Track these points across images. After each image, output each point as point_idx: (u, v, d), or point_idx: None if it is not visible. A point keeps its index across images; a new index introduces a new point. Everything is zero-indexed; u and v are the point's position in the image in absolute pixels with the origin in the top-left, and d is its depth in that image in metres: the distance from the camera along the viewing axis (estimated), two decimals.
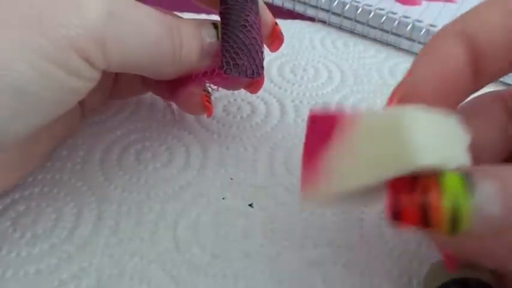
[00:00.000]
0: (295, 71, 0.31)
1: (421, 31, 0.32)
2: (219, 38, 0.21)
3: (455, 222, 0.12)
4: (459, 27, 0.16)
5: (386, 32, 0.34)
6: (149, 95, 0.28)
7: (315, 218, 0.22)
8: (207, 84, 0.23)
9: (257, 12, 0.21)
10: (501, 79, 0.31)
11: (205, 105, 0.23)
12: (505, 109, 0.18)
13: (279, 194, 0.23)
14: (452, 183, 0.12)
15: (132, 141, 0.26)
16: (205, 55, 0.21)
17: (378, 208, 0.22)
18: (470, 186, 0.12)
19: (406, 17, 0.34)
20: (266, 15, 0.23)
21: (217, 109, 0.28)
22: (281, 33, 0.25)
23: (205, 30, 0.21)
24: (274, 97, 0.29)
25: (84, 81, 0.17)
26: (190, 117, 0.27)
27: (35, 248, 0.20)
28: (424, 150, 0.12)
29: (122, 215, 0.22)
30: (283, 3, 0.38)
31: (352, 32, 0.36)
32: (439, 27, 0.33)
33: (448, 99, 0.16)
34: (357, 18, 0.35)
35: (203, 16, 0.35)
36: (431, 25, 0.33)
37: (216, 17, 0.22)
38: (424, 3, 0.36)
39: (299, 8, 0.37)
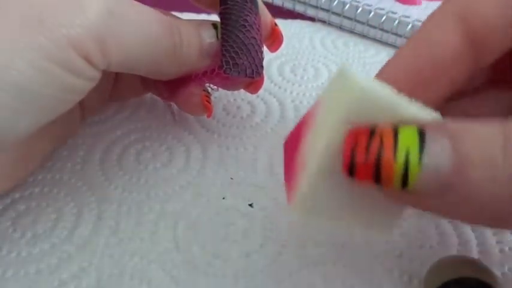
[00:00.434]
0: (295, 70, 0.31)
1: None
2: (219, 38, 0.21)
3: (405, 178, 0.12)
4: (452, 8, 0.15)
5: (386, 31, 0.34)
6: (149, 95, 0.28)
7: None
8: (207, 85, 0.23)
9: (256, 13, 0.21)
10: None
11: (205, 105, 0.23)
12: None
13: (279, 194, 0.23)
14: (406, 137, 0.12)
15: (132, 141, 0.26)
16: (205, 55, 0.21)
17: None
18: (422, 141, 0.12)
19: (406, 16, 0.33)
20: (265, 16, 0.23)
21: (217, 109, 0.28)
22: (281, 34, 0.25)
23: (205, 30, 0.21)
24: (274, 97, 0.29)
25: (84, 81, 0.17)
26: (190, 117, 0.27)
27: (35, 248, 0.20)
28: (366, 84, 0.12)
29: (122, 215, 0.22)
30: (283, 3, 0.38)
31: (352, 32, 0.36)
32: None
33: (426, 86, 0.16)
34: (357, 18, 0.35)
35: (203, 16, 0.35)
36: None
37: (216, 18, 0.22)
38: (424, 2, 0.36)
39: (299, 8, 0.37)
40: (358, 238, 0.21)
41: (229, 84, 0.23)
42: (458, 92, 0.17)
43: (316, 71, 0.31)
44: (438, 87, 0.16)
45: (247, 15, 0.21)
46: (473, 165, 0.11)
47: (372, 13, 0.34)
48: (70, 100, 0.18)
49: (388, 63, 0.17)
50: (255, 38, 0.21)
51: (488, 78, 0.19)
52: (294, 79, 0.30)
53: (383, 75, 0.17)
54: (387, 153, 0.12)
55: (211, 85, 0.24)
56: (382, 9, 0.34)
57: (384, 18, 0.34)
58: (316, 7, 0.36)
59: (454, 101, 0.18)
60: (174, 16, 0.22)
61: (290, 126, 0.27)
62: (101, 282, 0.19)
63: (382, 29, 0.34)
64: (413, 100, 0.13)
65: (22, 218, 0.22)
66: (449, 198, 0.12)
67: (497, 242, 0.21)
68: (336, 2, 0.35)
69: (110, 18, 0.17)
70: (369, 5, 0.34)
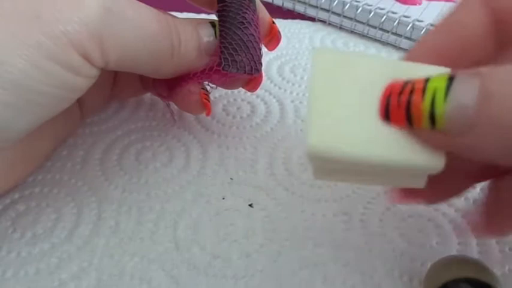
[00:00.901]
0: (295, 71, 0.31)
1: (421, 31, 0.32)
2: (217, 36, 0.21)
3: (433, 117, 0.13)
4: None
5: (386, 31, 0.34)
6: (149, 95, 0.28)
7: (315, 218, 0.22)
8: (206, 83, 0.23)
9: (254, 10, 0.21)
10: None
11: (204, 103, 0.23)
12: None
13: (279, 194, 0.23)
14: (435, 81, 0.13)
15: (132, 141, 0.26)
16: (203, 54, 0.21)
17: (379, 208, 0.22)
18: (450, 84, 0.12)
19: (406, 16, 0.33)
20: (263, 14, 0.23)
21: (217, 109, 0.28)
22: (279, 32, 0.25)
23: (203, 29, 0.21)
24: (274, 97, 0.29)
25: (83, 78, 0.17)
26: (190, 117, 0.27)
27: (35, 248, 0.20)
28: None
29: (122, 215, 0.22)
30: (283, 3, 0.38)
31: (352, 32, 0.36)
32: None
33: (453, 65, 0.16)
34: (357, 18, 0.35)
35: (203, 16, 0.35)
36: (431, 25, 0.33)
37: (215, 18, 0.22)
38: (424, 2, 0.36)
39: (299, 8, 0.37)
40: (358, 238, 0.21)
41: (228, 81, 0.23)
42: None
43: None
44: (465, 67, 0.17)
45: (245, 12, 0.21)
46: (499, 99, 0.12)
47: (372, 13, 0.34)
48: (68, 98, 0.18)
49: (417, 44, 0.17)
50: (253, 35, 0.21)
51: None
52: (294, 79, 0.30)
53: (412, 54, 0.17)
54: (416, 95, 0.13)
55: (210, 83, 0.24)
56: (382, 9, 0.34)
57: (384, 18, 0.34)
58: (316, 7, 0.36)
59: None
60: (172, 15, 0.22)
61: (290, 126, 0.27)
62: (101, 282, 0.19)
63: (382, 29, 0.34)
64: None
65: (22, 218, 0.22)
66: (476, 135, 0.12)
67: (497, 242, 0.21)
68: (336, 2, 0.35)
69: (108, 15, 0.17)
70: (369, 5, 0.34)
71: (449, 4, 0.36)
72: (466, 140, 0.12)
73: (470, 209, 0.21)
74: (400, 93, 0.13)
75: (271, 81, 0.30)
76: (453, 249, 0.21)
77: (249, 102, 0.28)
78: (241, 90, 0.26)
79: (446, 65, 0.15)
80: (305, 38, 0.35)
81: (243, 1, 0.21)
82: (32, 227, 0.21)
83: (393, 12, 0.34)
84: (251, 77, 0.23)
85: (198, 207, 0.22)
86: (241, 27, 0.21)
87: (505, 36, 0.16)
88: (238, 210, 0.22)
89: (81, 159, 0.25)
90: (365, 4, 0.34)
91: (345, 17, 0.35)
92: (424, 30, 0.32)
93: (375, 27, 0.34)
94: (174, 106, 0.25)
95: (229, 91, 0.29)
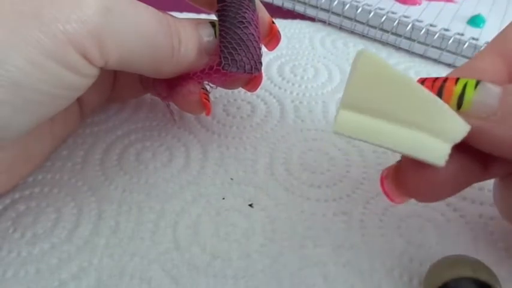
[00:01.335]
0: (295, 71, 0.31)
1: (421, 31, 0.32)
2: (217, 36, 0.21)
3: (460, 100, 0.16)
4: (497, 47, 0.18)
5: (386, 31, 0.34)
6: (149, 95, 0.28)
7: (315, 218, 0.22)
8: (206, 83, 0.23)
9: (254, 10, 0.22)
10: None
11: (204, 103, 0.23)
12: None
13: (279, 194, 0.23)
14: (466, 79, 0.16)
15: (132, 141, 0.26)
16: (203, 53, 0.21)
17: (379, 208, 0.22)
18: (479, 84, 0.16)
19: (406, 16, 0.34)
20: (263, 13, 0.23)
21: (217, 109, 0.28)
22: (278, 31, 0.25)
23: (203, 28, 0.21)
24: (274, 97, 0.29)
25: (83, 78, 0.17)
26: (190, 117, 0.27)
27: (35, 248, 0.20)
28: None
29: (122, 215, 0.22)
30: (283, 3, 0.38)
31: (352, 32, 0.36)
32: (439, 27, 0.33)
33: None
34: (357, 18, 0.35)
35: (203, 16, 0.35)
36: (431, 25, 0.33)
37: (215, 18, 0.22)
38: (424, 2, 0.36)
39: (299, 8, 0.37)
40: (358, 238, 0.21)
41: (228, 81, 0.23)
42: None
43: (316, 71, 0.31)
44: None
45: (245, 12, 0.21)
46: None
47: (372, 13, 0.34)
48: (68, 97, 0.18)
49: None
50: (253, 34, 0.21)
51: None
52: (294, 79, 0.30)
53: None
54: (449, 82, 0.16)
55: (210, 83, 0.24)
56: (382, 9, 0.34)
57: (384, 18, 0.34)
58: (316, 7, 0.36)
59: None
60: (172, 16, 0.22)
61: (290, 126, 0.27)
62: (101, 282, 0.19)
63: (382, 29, 0.34)
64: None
65: (22, 218, 0.22)
66: (495, 121, 0.15)
67: (497, 242, 0.21)
68: (336, 2, 0.35)
69: (108, 14, 0.17)
70: (369, 5, 0.34)
71: (449, 5, 0.36)
72: (486, 124, 0.15)
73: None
74: (434, 80, 0.16)
75: (271, 81, 0.30)
76: (453, 249, 0.21)
77: (249, 102, 0.28)
78: (241, 90, 0.26)
79: None
80: (305, 38, 0.35)
81: (243, 1, 0.21)
82: (32, 227, 0.21)
83: (393, 13, 0.34)
84: (251, 76, 0.23)
85: (198, 207, 0.22)
86: (240, 26, 0.21)
87: None
88: (238, 210, 0.22)
89: (81, 159, 0.25)
90: (365, 4, 0.35)
91: (344, 17, 0.35)
92: (423, 30, 0.32)
93: (375, 28, 0.34)
94: (174, 106, 0.25)
95: (229, 91, 0.29)
